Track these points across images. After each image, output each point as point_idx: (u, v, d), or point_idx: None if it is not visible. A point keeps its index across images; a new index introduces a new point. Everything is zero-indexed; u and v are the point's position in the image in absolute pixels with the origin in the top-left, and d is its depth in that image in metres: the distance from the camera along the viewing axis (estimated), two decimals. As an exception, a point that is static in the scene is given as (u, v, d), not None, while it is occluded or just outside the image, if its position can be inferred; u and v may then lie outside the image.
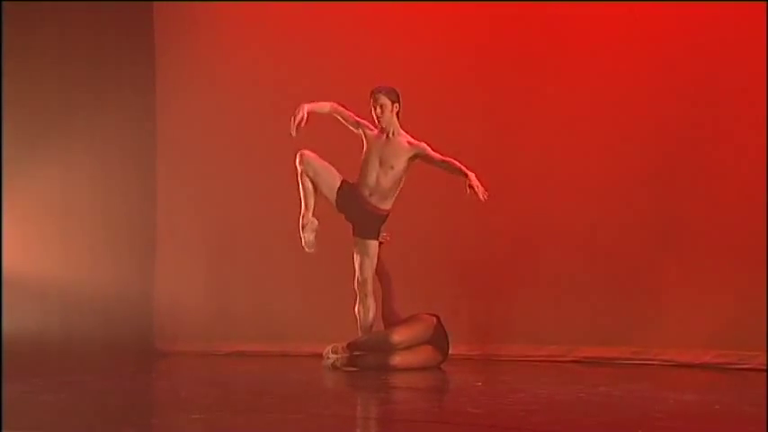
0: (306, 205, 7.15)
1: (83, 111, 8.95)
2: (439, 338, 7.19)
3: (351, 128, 7.17)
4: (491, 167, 7.69)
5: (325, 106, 7.16)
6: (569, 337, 7.56)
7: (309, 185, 7.13)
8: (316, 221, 7.14)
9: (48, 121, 8.84)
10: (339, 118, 7.17)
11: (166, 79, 9.12)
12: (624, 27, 7.55)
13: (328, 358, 7.14)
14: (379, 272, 7.36)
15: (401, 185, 7.12)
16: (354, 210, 7.15)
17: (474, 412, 5.11)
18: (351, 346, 7.11)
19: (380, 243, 7.35)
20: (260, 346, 8.36)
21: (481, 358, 7.75)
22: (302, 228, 7.15)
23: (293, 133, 6.98)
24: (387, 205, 7.16)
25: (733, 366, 6.88)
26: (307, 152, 7.11)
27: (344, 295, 7.27)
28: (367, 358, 7.07)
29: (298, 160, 7.11)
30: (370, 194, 7.12)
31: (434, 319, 7.21)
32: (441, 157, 6.99)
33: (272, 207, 8.57)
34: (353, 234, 7.21)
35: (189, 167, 9.01)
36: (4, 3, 8.54)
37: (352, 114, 7.17)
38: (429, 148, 7.05)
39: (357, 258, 7.19)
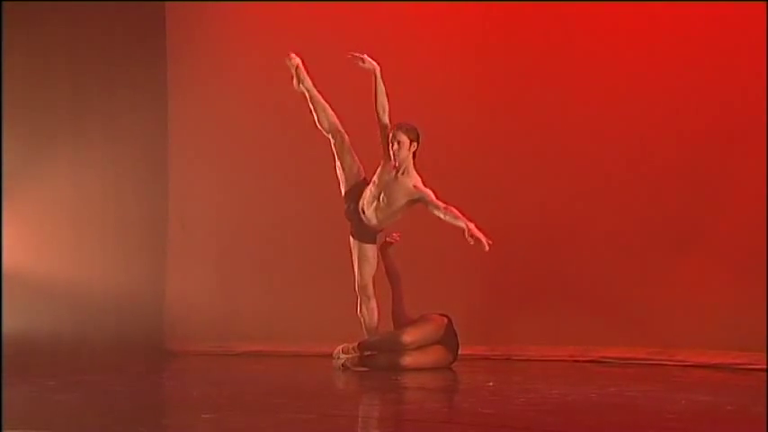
0: (309, 87, 7.10)
1: (94, 110, 8.93)
2: (449, 339, 7.18)
3: (380, 136, 7.00)
4: (510, 167, 7.68)
5: (381, 94, 6.95)
6: (582, 338, 7.54)
7: (322, 125, 7.06)
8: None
9: (59, 121, 8.82)
10: (379, 120, 6.96)
11: (178, 78, 9.11)
12: (629, 29, 7.54)
13: (339, 358, 7.14)
14: (390, 272, 7.35)
15: (397, 218, 7.04)
16: (353, 212, 7.11)
17: (484, 412, 5.10)
18: (361, 347, 7.10)
19: (390, 243, 7.34)
20: (271, 347, 8.34)
21: (493, 358, 7.73)
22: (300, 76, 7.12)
23: (349, 56, 6.93)
24: (380, 226, 7.12)
25: (748, 367, 6.84)
26: (347, 138, 7.04)
27: (355, 296, 7.25)
28: (377, 358, 7.06)
29: (341, 131, 7.03)
30: (365, 214, 7.07)
31: (445, 320, 7.19)
32: (443, 205, 6.77)
33: (283, 207, 8.56)
34: (350, 234, 7.17)
35: (201, 167, 9.00)
36: (17, 2, 8.53)
37: (390, 129, 6.95)
38: (433, 195, 6.82)
39: (356, 262, 7.14)
